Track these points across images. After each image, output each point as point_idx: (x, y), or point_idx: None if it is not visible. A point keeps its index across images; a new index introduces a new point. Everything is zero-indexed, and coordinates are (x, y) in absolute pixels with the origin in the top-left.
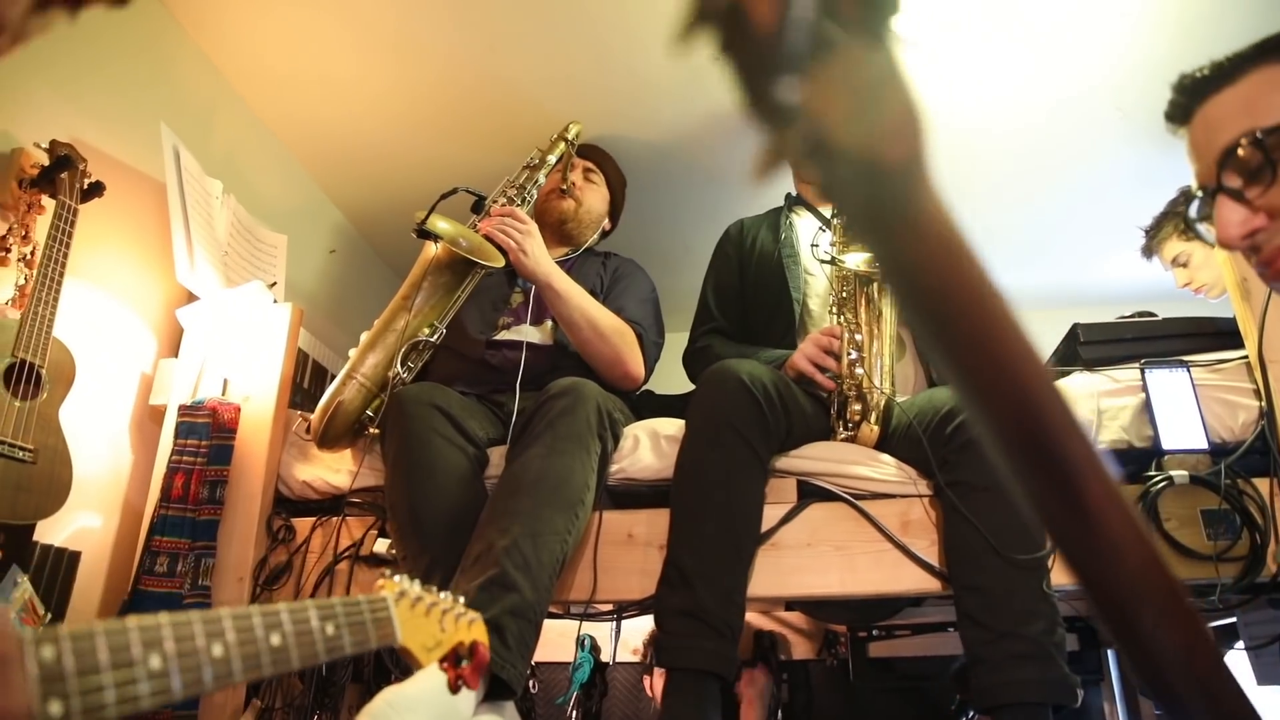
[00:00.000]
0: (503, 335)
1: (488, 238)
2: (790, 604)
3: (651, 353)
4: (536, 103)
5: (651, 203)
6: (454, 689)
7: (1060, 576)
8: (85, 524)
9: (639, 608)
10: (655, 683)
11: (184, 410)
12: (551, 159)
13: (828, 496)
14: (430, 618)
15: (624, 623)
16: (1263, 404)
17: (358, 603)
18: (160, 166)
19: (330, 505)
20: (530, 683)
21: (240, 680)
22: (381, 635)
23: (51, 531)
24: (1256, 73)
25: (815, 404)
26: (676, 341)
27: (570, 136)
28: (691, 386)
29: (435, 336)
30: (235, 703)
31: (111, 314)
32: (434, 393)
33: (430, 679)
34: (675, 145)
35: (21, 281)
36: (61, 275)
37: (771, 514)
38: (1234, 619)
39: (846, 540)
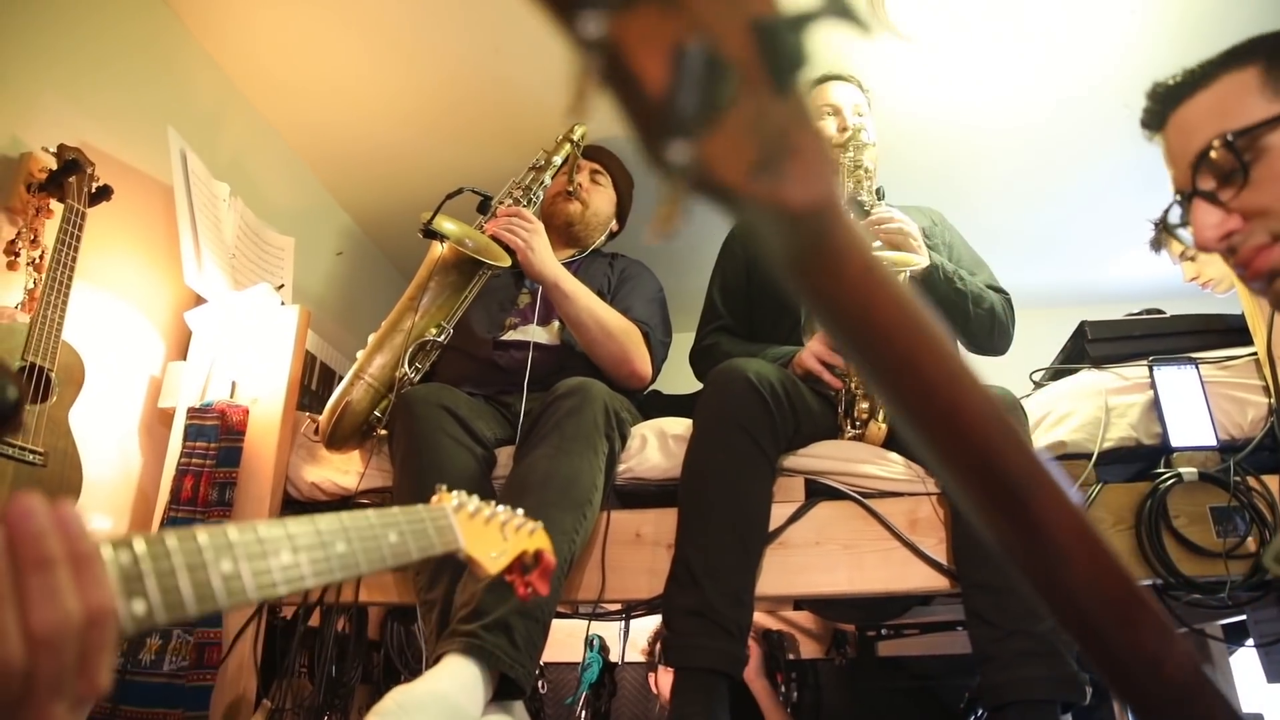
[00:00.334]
0: (510, 336)
1: (494, 238)
2: (799, 603)
3: (658, 352)
4: (542, 104)
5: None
6: (525, 597)
7: None
8: (95, 526)
9: (647, 607)
10: (660, 680)
11: (193, 413)
12: (557, 160)
13: (836, 495)
14: (491, 527)
15: (632, 622)
16: (1272, 400)
17: (418, 511)
18: (168, 170)
19: (338, 506)
20: (539, 683)
21: (312, 585)
22: (445, 542)
23: None
24: (1226, 78)
25: (822, 402)
26: (684, 341)
27: (576, 138)
28: (699, 386)
29: (442, 337)
30: (246, 702)
31: (120, 317)
32: (442, 393)
33: (439, 678)
34: None
35: (31, 285)
36: (70, 279)
37: (779, 513)
38: (1244, 616)
39: (854, 539)
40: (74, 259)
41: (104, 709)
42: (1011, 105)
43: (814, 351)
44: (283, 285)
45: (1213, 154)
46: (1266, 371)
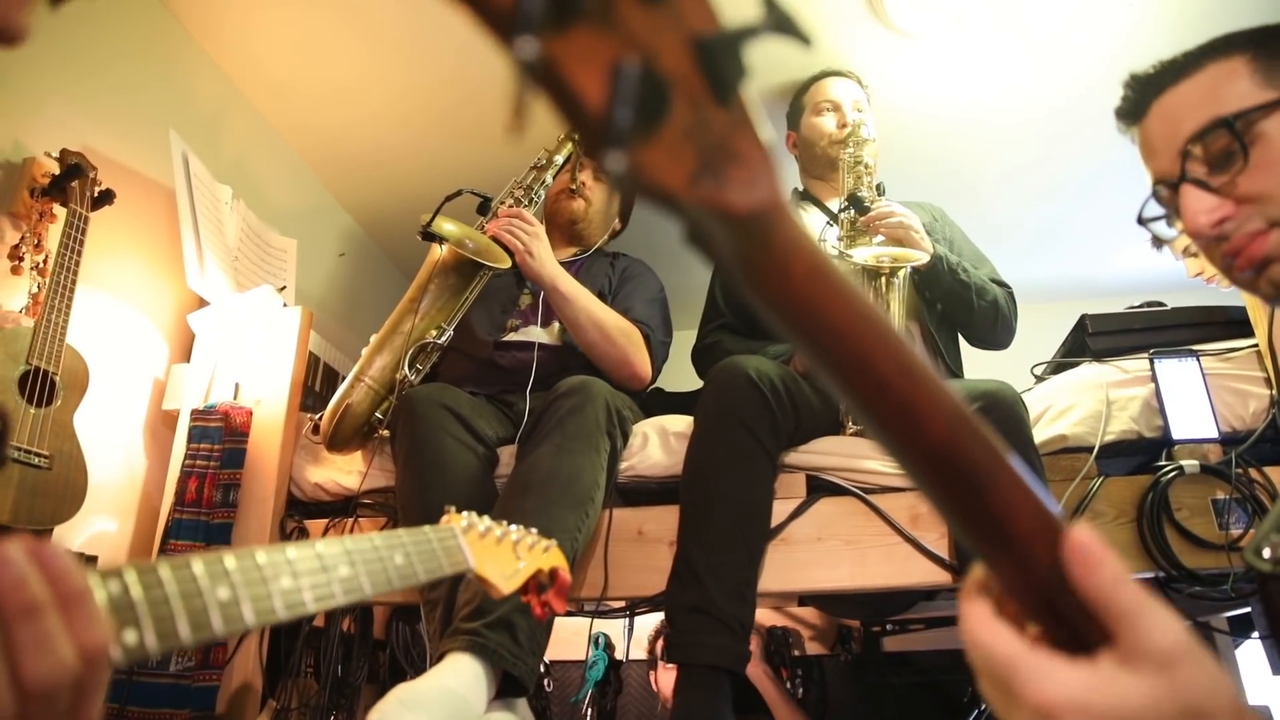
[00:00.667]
0: (511, 336)
1: (494, 239)
2: (803, 599)
3: (659, 353)
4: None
5: None
6: (541, 617)
7: None
8: (101, 528)
9: (651, 604)
10: (660, 678)
11: (197, 415)
12: (559, 159)
13: (837, 491)
14: (503, 547)
15: (637, 619)
16: (1273, 392)
17: (424, 532)
18: (170, 173)
19: (342, 507)
20: (545, 681)
21: (313, 610)
22: (453, 562)
23: (68, 536)
24: (1213, 66)
25: (823, 398)
26: (686, 339)
27: (578, 137)
28: (701, 384)
29: (443, 338)
30: (252, 703)
31: (124, 320)
32: (443, 393)
33: (442, 676)
34: None
35: (35, 290)
36: (74, 283)
37: (781, 509)
38: (1249, 609)
39: (856, 534)
40: (77, 263)
41: (111, 709)
42: (1012, 100)
43: None
44: (285, 287)
45: (1207, 138)
46: (1268, 363)
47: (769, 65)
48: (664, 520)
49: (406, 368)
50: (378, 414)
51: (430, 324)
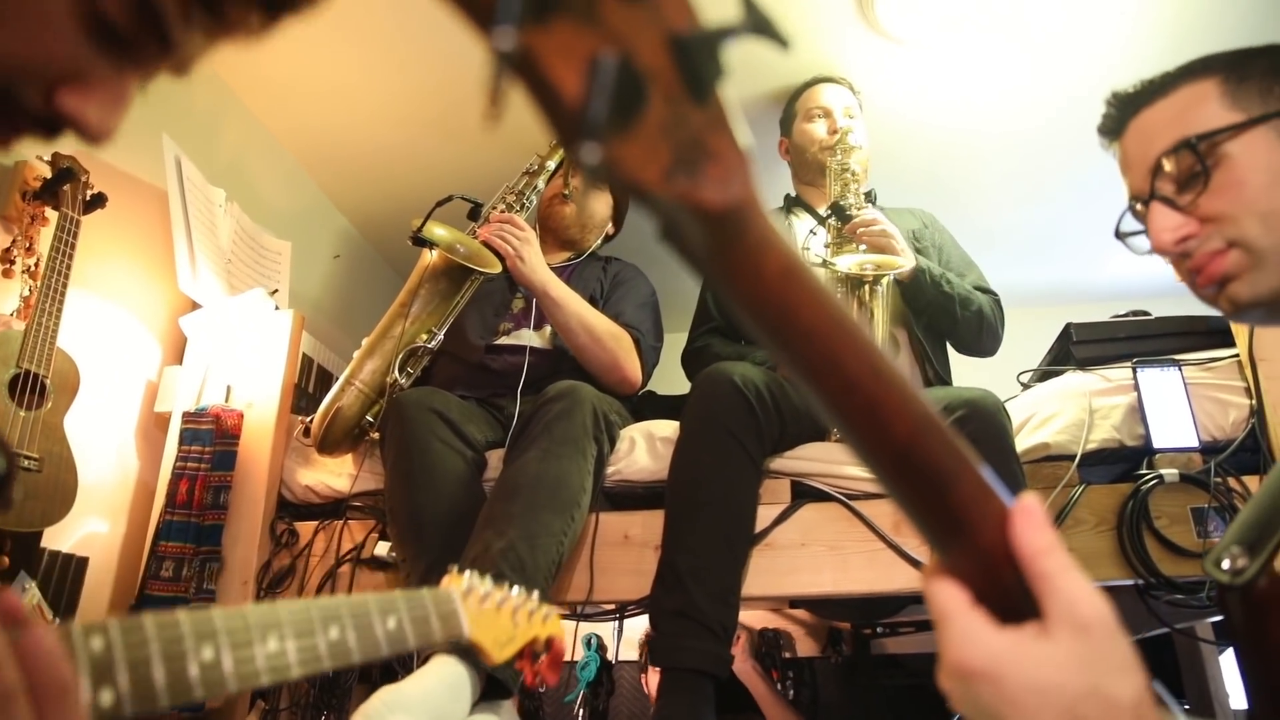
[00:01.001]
0: (503, 340)
1: (485, 244)
2: (794, 602)
3: (649, 357)
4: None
5: None
6: (532, 685)
7: None
8: (92, 530)
9: (639, 607)
10: (651, 680)
11: (188, 417)
12: (551, 164)
13: (821, 497)
14: (501, 613)
15: (628, 621)
16: (1253, 402)
17: (421, 596)
18: (162, 176)
19: (332, 509)
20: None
21: (298, 675)
22: (448, 630)
23: (60, 537)
24: (1186, 88)
25: (809, 404)
26: (679, 342)
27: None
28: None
29: (433, 343)
30: (242, 702)
31: (116, 323)
32: (432, 397)
33: (426, 678)
34: None
35: (26, 293)
36: (65, 286)
37: (765, 514)
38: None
39: (840, 540)
40: (69, 266)
41: None
42: (1003, 107)
43: None
44: (277, 290)
45: (1175, 157)
46: (1248, 373)
47: (762, 71)
48: (650, 525)
49: (396, 371)
50: (368, 417)
51: (421, 328)
